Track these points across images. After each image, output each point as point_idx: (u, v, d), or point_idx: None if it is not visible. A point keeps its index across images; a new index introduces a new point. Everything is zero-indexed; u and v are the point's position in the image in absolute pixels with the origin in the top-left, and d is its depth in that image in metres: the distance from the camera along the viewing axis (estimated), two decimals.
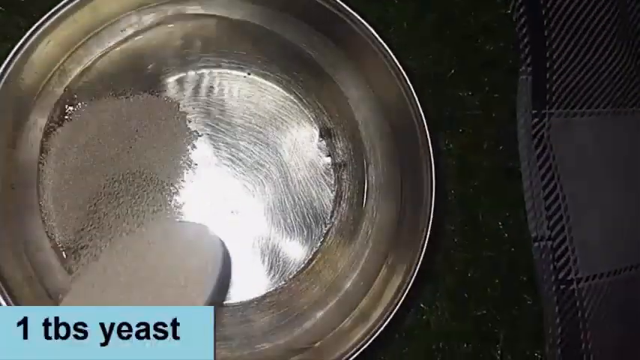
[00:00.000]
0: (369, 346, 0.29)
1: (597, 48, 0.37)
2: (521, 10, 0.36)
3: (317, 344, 0.31)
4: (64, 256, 0.30)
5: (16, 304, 0.26)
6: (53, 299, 0.29)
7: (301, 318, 0.32)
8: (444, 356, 0.36)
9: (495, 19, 0.38)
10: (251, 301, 0.33)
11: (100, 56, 0.31)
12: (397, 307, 0.29)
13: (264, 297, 0.33)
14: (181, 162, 0.31)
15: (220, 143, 0.32)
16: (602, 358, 0.35)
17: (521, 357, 0.37)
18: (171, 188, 0.31)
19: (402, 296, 0.29)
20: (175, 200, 0.31)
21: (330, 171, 0.34)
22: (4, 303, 0.25)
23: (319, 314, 0.33)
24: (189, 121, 0.32)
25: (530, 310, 0.37)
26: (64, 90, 0.30)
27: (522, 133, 0.36)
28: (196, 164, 0.32)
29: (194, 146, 0.32)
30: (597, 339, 0.35)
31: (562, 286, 0.35)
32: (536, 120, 0.36)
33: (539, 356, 0.37)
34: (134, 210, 0.30)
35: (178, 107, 0.32)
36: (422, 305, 0.36)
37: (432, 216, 0.30)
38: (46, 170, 0.30)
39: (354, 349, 0.29)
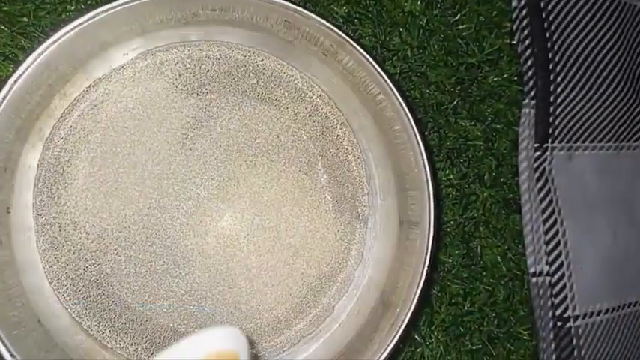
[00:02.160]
0: None
1: (602, 82, 0.37)
2: (527, 43, 0.36)
3: None
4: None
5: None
6: (42, 324, 0.28)
7: (294, 352, 0.32)
8: None
9: (500, 50, 0.38)
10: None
11: (100, 80, 0.31)
12: (393, 342, 0.29)
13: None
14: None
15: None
16: None
17: None
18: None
19: (397, 332, 0.29)
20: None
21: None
22: None
23: (313, 346, 0.32)
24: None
25: (526, 345, 0.37)
26: (63, 113, 0.30)
27: (524, 167, 0.36)
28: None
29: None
30: None
31: (559, 323, 0.35)
32: (538, 154, 0.36)
33: None
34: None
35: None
36: (416, 337, 0.36)
37: (430, 251, 0.29)
38: (44, 194, 0.30)
39: None
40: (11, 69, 0.31)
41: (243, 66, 0.32)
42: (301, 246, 0.33)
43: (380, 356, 0.29)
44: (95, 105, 0.30)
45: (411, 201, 0.31)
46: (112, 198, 0.31)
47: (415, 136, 0.30)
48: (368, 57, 0.29)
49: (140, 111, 0.31)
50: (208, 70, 0.32)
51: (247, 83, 0.32)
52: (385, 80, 0.30)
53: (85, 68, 0.29)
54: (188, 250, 0.32)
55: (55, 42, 0.27)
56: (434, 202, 0.30)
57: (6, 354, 0.25)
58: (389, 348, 0.29)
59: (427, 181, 0.30)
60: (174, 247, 0.31)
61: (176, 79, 0.31)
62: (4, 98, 0.26)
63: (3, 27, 0.31)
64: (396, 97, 0.30)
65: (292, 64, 0.32)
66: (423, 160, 0.30)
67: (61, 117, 0.30)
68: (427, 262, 0.30)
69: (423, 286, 0.29)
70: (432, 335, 0.36)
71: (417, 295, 0.29)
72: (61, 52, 0.28)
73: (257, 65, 0.32)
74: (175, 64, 0.31)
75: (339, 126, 0.33)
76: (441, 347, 0.36)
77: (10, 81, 0.26)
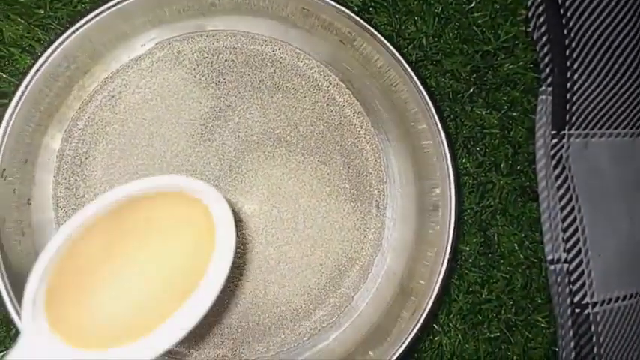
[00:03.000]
0: None
1: (618, 69, 0.36)
2: (543, 30, 0.36)
3: None
4: None
5: None
6: None
7: (315, 337, 0.32)
8: None
9: (515, 38, 0.37)
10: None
11: (119, 71, 0.30)
12: (414, 330, 0.29)
13: None
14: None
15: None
16: None
17: None
18: None
19: (418, 321, 0.29)
20: None
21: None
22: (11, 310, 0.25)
23: (333, 335, 0.32)
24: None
25: (544, 332, 0.37)
26: (82, 104, 0.30)
27: (541, 154, 0.36)
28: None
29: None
30: None
31: (577, 310, 0.35)
32: (555, 141, 0.36)
33: None
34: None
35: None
36: (434, 326, 0.36)
37: (451, 239, 0.29)
38: (62, 185, 0.30)
39: None
40: (29, 61, 0.30)
41: (260, 55, 0.32)
42: (320, 236, 0.33)
43: (400, 345, 0.29)
44: (113, 96, 0.30)
45: (430, 189, 0.31)
46: None
47: (435, 122, 0.30)
48: (387, 44, 0.29)
49: (158, 102, 0.31)
50: (226, 60, 0.31)
51: (264, 72, 0.32)
52: (404, 67, 0.29)
53: (102, 60, 0.29)
54: None
55: (72, 34, 0.27)
56: (455, 189, 0.29)
57: None
58: (410, 337, 0.29)
59: (448, 167, 0.30)
60: None
61: (194, 69, 0.31)
62: (23, 91, 0.26)
63: (19, 19, 0.30)
64: (415, 83, 0.30)
65: (309, 53, 0.32)
66: (444, 146, 0.30)
67: (80, 108, 0.30)
68: (449, 250, 0.30)
69: (444, 274, 0.29)
70: (450, 324, 0.36)
71: (439, 283, 0.29)
72: (79, 44, 0.27)
73: (274, 55, 0.32)
74: (193, 54, 0.31)
75: (356, 115, 0.33)
76: (460, 335, 0.36)
77: (30, 74, 0.26)
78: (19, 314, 0.25)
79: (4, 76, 0.30)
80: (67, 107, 0.29)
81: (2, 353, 0.30)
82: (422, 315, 0.29)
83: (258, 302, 0.32)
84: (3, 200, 0.26)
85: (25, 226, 0.27)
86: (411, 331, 0.29)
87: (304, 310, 0.33)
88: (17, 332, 0.30)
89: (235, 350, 0.32)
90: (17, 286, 0.25)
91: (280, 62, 0.32)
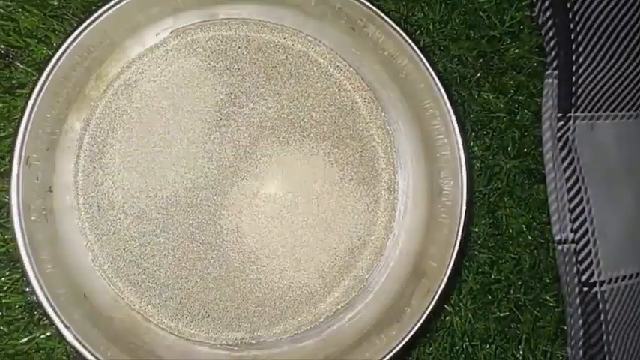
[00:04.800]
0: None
1: (623, 51, 0.37)
2: (548, 14, 0.37)
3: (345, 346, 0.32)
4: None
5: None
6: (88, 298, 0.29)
7: (331, 319, 0.33)
8: (466, 356, 0.37)
9: (520, 22, 0.38)
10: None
11: (134, 59, 0.31)
12: (427, 311, 0.30)
13: None
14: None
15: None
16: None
17: (543, 357, 0.37)
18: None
19: (431, 301, 0.30)
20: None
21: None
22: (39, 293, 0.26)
23: (348, 316, 0.33)
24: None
25: (552, 311, 0.38)
26: (99, 94, 0.30)
27: (547, 137, 0.37)
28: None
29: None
30: (620, 341, 0.36)
31: (585, 289, 0.36)
32: (561, 123, 0.36)
33: (561, 357, 0.37)
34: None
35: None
36: (445, 306, 0.37)
37: (463, 221, 0.30)
38: (82, 173, 0.31)
39: (386, 351, 0.29)
40: (45, 51, 0.31)
41: (272, 43, 0.32)
42: (333, 220, 0.33)
43: (413, 326, 0.30)
44: (129, 85, 0.31)
45: (441, 171, 0.32)
46: (149, 178, 0.31)
47: (445, 106, 0.30)
48: (398, 29, 0.30)
49: (174, 90, 0.31)
50: (239, 48, 0.32)
51: (277, 59, 0.32)
52: (414, 52, 0.30)
53: (118, 49, 0.30)
54: (222, 230, 0.32)
55: (89, 25, 0.27)
56: (466, 171, 0.30)
57: (60, 325, 0.26)
58: (423, 317, 0.30)
59: (459, 150, 0.30)
60: (209, 228, 0.32)
61: (208, 57, 0.32)
62: (43, 84, 0.27)
63: (35, 10, 0.31)
64: (426, 68, 0.30)
65: (320, 40, 0.33)
66: (454, 129, 0.30)
67: (97, 97, 0.30)
68: (460, 232, 0.30)
69: (456, 255, 0.30)
70: (460, 304, 0.37)
71: (451, 265, 0.30)
72: (96, 35, 0.28)
73: (285, 43, 0.33)
74: (206, 42, 0.32)
75: (366, 100, 0.34)
76: (470, 315, 0.37)
77: (49, 66, 0.27)
78: (47, 298, 0.25)
79: (21, 66, 0.31)
80: (84, 96, 0.30)
81: (27, 338, 0.31)
82: (434, 296, 0.30)
83: (274, 287, 0.33)
84: (27, 187, 0.26)
85: (47, 213, 0.28)
86: (424, 312, 0.30)
87: (319, 293, 0.33)
88: (41, 317, 0.31)
89: (253, 333, 0.32)
90: (42, 270, 0.26)
91: (292, 50, 0.33)
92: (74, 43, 0.27)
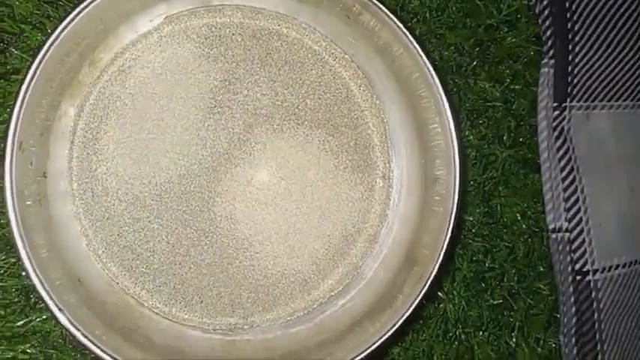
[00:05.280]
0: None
1: (620, 41, 0.37)
2: (545, 2, 0.36)
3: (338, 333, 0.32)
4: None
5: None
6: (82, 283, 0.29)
7: (324, 305, 0.33)
8: (459, 343, 0.37)
9: (517, 11, 0.38)
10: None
11: (128, 46, 0.31)
12: (419, 297, 0.30)
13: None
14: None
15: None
16: (617, 348, 0.36)
17: (535, 345, 0.37)
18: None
19: (423, 288, 0.30)
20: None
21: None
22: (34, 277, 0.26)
23: (341, 302, 0.33)
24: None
25: (545, 299, 0.38)
26: (92, 80, 0.30)
27: (543, 126, 0.37)
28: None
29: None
30: (612, 329, 0.36)
31: (578, 277, 0.36)
32: (556, 113, 0.36)
33: (554, 345, 0.38)
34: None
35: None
36: (439, 294, 0.37)
37: (455, 209, 0.30)
38: (76, 159, 0.31)
39: (378, 336, 0.30)
40: (39, 37, 0.31)
41: (266, 30, 0.32)
42: (327, 208, 0.33)
43: (405, 312, 0.30)
44: (122, 71, 0.31)
45: (435, 159, 0.32)
46: (143, 164, 0.31)
47: (439, 94, 0.30)
48: (392, 17, 0.30)
49: (168, 76, 0.31)
50: (233, 34, 0.32)
51: (271, 46, 0.32)
52: (410, 40, 0.30)
53: (112, 35, 0.30)
54: (216, 216, 0.32)
55: (82, 11, 0.27)
56: (459, 160, 0.30)
57: (54, 309, 0.26)
58: (415, 303, 0.30)
59: (452, 139, 0.30)
60: (202, 214, 0.32)
61: (202, 43, 0.32)
62: (36, 69, 0.27)
63: None
64: (420, 57, 0.30)
65: (315, 27, 0.33)
66: (448, 118, 0.30)
67: (90, 84, 0.30)
68: (452, 221, 0.30)
69: (448, 243, 0.30)
70: (454, 291, 0.37)
71: (443, 252, 0.30)
72: (89, 21, 0.28)
73: (280, 29, 0.32)
74: (200, 29, 0.31)
75: (361, 88, 0.34)
76: (463, 303, 0.37)
77: (42, 51, 0.27)
78: (41, 283, 0.26)
79: (16, 52, 0.31)
80: (78, 82, 0.30)
81: (23, 321, 0.31)
82: (426, 283, 0.30)
83: (267, 274, 0.33)
84: (21, 172, 0.27)
85: (42, 198, 0.28)
86: (416, 299, 0.30)
87: (313, 280, 0.34)
88: (37, 301, 0.31)
89: (246, 319, 0.33)
90: (36, 254, 0.26)
91: (287, 37, 0.33)
92: (67, 30, 0.27)
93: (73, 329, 0.26)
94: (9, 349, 0.31)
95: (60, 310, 0.26)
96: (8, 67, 0.31)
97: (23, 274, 0.31)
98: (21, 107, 0.26)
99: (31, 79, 0.26)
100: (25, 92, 0.26)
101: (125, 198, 0.31)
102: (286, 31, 0.33)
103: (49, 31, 0.30)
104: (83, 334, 0.26)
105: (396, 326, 0.30)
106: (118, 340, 0.28)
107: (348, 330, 0.32)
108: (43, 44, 0.27)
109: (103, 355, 0.27)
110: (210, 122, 0.32)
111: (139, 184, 0.31)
